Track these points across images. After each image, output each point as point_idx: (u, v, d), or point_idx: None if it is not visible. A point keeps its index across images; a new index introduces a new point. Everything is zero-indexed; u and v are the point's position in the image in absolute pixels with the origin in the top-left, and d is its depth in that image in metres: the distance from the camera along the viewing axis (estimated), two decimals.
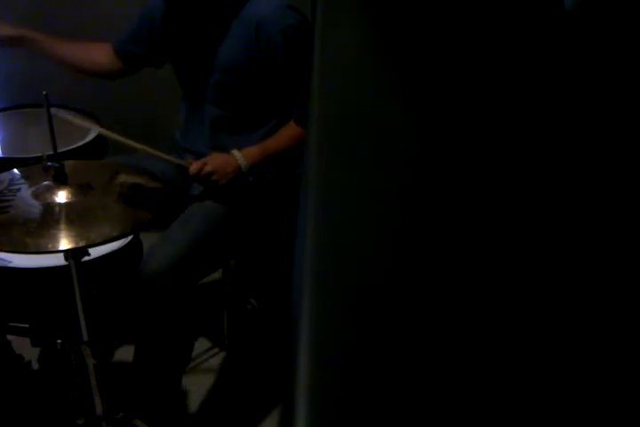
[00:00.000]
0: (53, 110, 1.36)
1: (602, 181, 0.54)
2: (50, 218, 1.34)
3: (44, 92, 1.32)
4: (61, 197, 1.38)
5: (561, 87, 0.68)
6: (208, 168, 1.63)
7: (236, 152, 1.68)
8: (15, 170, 1.52)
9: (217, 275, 2.12)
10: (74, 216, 1.34)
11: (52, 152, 1.38)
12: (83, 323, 1.47)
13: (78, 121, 1.56)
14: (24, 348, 1.80)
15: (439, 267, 0.45)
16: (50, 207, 1.36)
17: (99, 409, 1.58)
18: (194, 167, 1.63)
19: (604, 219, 0.50)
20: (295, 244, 0.48)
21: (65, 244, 1.27)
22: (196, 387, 1.94)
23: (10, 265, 1.54)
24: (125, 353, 1.80)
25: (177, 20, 1.76)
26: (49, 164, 1.38)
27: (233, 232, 1.74)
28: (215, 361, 2.08)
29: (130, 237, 1.64)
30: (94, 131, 1.81)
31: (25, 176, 1.49)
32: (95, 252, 1.50)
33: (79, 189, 1.40)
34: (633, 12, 0.72)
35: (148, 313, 1.61)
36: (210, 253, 1.69)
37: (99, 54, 1.89)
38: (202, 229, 1.65)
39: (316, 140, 0.61)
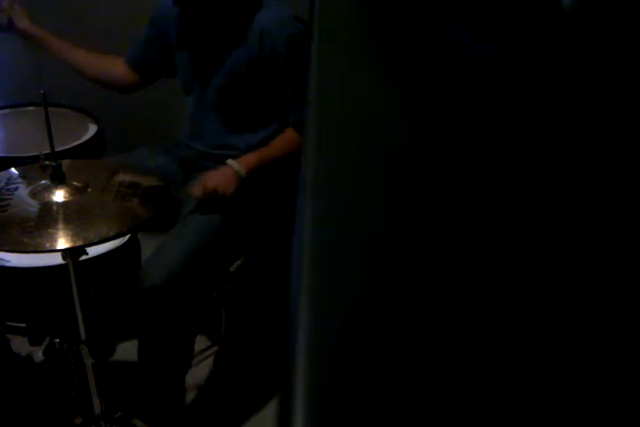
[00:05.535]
0: None
1: (602, 181, 0.54)
2: (47, 217, 1.33)
3: (42, 92, 1.32)
4: (59, 196, 1.38)
5: (560, 87, 0.68)
6: (209, 187, 1.65)
7: (231, 161, 1.71)
8: (13, 169, 1.52)
9: None
10: (71, 215, 1.33)
11: (49, 151, 1.38)
12: (80, 322, 1.46)
13: None
14: (22, 347, 1.80)
15: (440, 267, 0.45)
16: (47, 206, 1.36)
17: (97, 408, 1.58)
18: (197, 192, 1.66)
19: (603, 220, 0.50)
20: (293, 241, 0.48)
21: (63, 243, 1.27)
22: (194, 385, 1.94)
23: (8, 264, 1.54)
24: (124, 352, 1.80)
25: (186, 25, 1.77)
26: (46, 163, 1.38)
27: (231, 239, 1.74)
28: (213, 359, 2.08)
29: (127, 236, 1.64)
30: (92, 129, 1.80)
31: (22, 175, 1.49)
32: (93, 251, 1.50)
33: (77, 188, 1.40)
34: (632, 11, 0.72)
35: (149, 324, 1.61)
36: (208, 262, 1.68)
37: (115, 67, 1.91)
38: (199, 239, 1.65)
39: (313, 142, 0.61)
